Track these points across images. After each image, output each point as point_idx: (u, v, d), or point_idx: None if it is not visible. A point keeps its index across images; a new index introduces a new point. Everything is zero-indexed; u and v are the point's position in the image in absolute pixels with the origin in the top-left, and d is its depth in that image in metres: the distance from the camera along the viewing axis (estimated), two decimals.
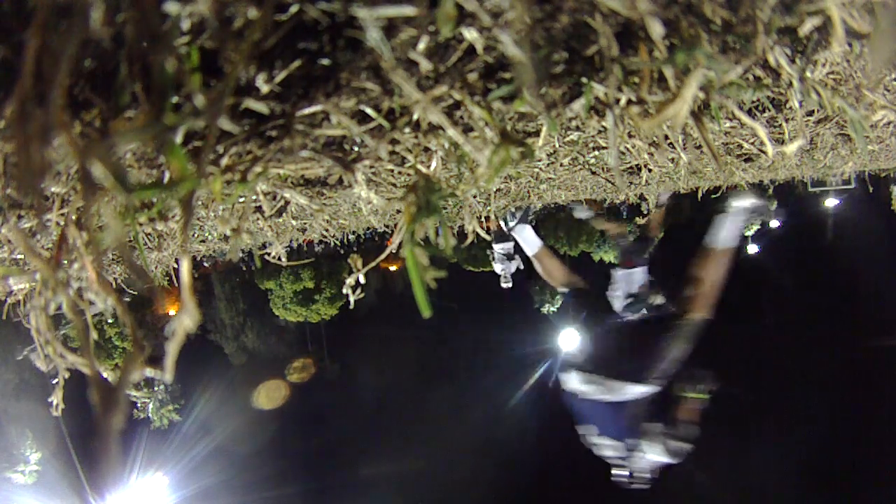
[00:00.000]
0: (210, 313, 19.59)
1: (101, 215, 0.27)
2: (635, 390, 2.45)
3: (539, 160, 1.04)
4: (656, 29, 0.33)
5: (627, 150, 0.92)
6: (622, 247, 3.65)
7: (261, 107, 0.37)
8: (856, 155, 1.57)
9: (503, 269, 3.67)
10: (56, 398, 0.56)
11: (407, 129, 0.47)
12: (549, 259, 3.03)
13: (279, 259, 0.94)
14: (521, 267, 3.57)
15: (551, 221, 19.52)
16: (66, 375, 0.45)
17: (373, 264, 0.64)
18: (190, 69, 0.29)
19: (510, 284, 3.76)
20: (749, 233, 20.99)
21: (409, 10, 0.31)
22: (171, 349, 0.26)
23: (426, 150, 0.54)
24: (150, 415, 14.83)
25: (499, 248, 3.71)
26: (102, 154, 0.24)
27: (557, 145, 0.89)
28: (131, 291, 1.86)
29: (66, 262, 0.36)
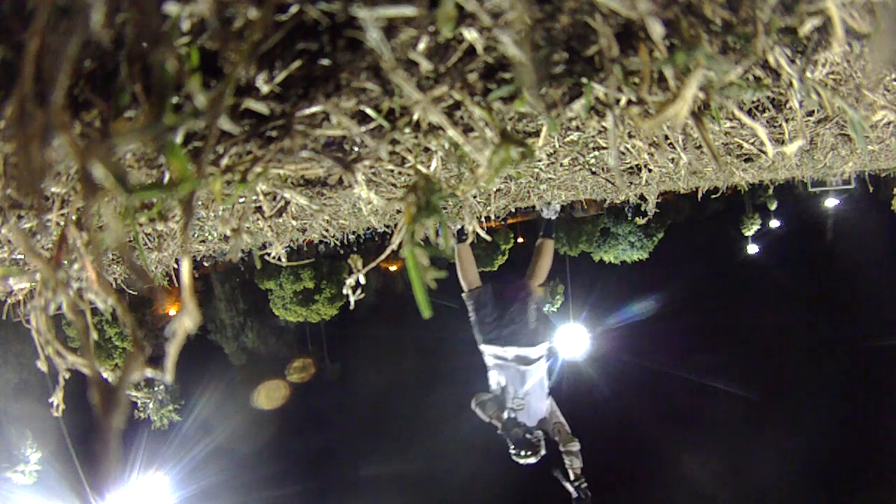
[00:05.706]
0: (210, 313, 19.58)
1: (102, 215, 0.27)
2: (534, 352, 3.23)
3: (539, 160, 1.04)
4: (656, 29, 0.33)
5: (627, 150, 0.92)
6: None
7: (261, 107, 0.37)
8: (856, 155, 1.57)
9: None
10: (56, 398, 0.56)
11: (407, 130, 0.47)
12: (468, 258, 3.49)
13: (279, 259, 0.94)
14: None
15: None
16: (66, 375, 0.45)
17: (373, 264, 0.64)
18: (190, 69, 0.29)
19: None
20: (749, 233, 21.03)
21: (409, 11, 0.31)
22: (172, 349, 0.26)
23: (426, 150, 0.54)
24: (150, 415, 14.82)
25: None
26: (103, 154, 0.24)
27: (557, 145, 0.89)
28: (131, 291, 1.86)
29: (66, 262, 0.36)
